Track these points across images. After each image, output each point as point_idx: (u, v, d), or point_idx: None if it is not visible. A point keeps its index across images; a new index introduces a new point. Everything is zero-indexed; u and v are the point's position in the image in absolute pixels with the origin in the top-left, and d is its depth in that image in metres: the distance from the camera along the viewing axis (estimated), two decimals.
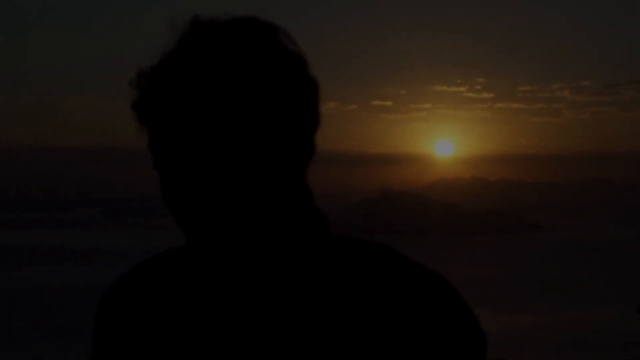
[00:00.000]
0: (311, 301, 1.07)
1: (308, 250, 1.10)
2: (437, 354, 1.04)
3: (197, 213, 1.00)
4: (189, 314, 1.09)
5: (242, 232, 1.02)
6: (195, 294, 1.09)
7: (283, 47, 1.07)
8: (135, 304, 1.18)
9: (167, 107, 1.02)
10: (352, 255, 1.13)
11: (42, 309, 27.55)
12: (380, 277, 1.10)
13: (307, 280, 1.08)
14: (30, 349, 21.96)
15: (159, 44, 1.09)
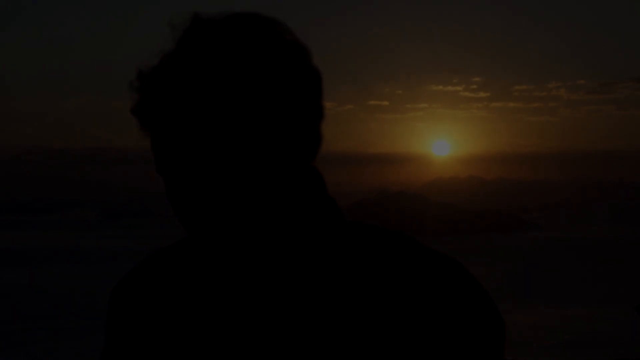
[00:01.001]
0: (326, 289, 1.07)
1: (321, 237, 1.10)
2: (457, 341, 1.04)
3: (208, 210, 1.00)
4: (202, 307, 1.09)
5: (253, 224, 1.02)
6: (207, 287, 1.08)
7: (285, 39, 1.07)
8: (147, 299, 1.17)
9: (171, 108, 1.01)
10: (367, 242, 1.12)
11: (40, 310, 27.48)
12: (397, 263, 1.09)
13: (321, 268, 1.08)
14: (28, 350, 21.92)
15: (156, 44, 1.08)
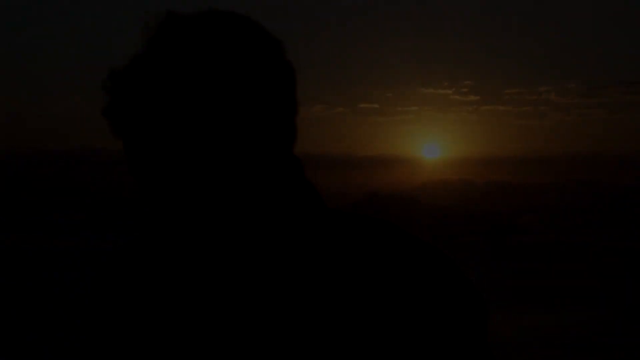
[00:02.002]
0: (307, 276, 1.06)
1: (302, 224, 1.08)
2: (441, 325, 1.05)
3: (187, 206, 1.02)
4: (185, 297, 1.06)
5: (233, 215, 1.04)
6: (189, 278, 1.06)
7: (258, 34, 1.07)
8: (131, 294, 1.08)
9: (144, 108, 1.03)
10: (349, 228, 1.09)
11: (36, 311, 27.45)
12: (378, 249, 1.08)
13: (302, 255, 1.07)
14: (26, 352, 21.89)
15: (133, 44, 1.08)
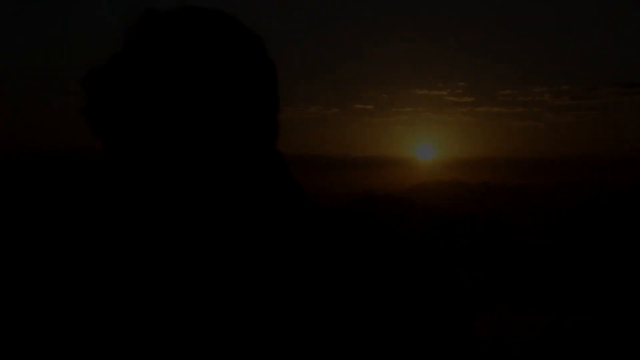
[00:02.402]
0: (288, 269, 1.04)
1: (283, 219, 1.06)
2: (421, 320, 1.04)
3: (167, 203, 0.99)
4: (167, 295, 1.04)
5: (213, 212, 1.02)
6: (170, 277, 1.04)
7: (238, 32, 1.05)
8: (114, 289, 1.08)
9: (123, 106, 1.00)
10: (329, 222, 1.07)
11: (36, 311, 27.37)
12: (358, 243, 1.06)
13: (282, 248, 1.05)
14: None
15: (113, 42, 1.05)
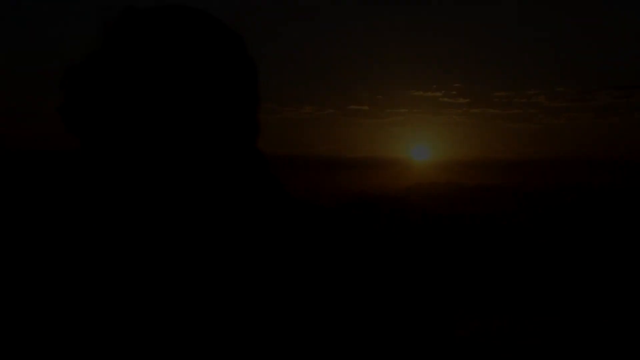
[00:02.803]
0: (263, 261, 1.05)
1: (262, 215, 1.07)
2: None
3: (145, 201, 1.00)
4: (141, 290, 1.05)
5: (192, 209, 1.03)
6: (153, 270, 1.05)
7: (219, 30, 1.06)
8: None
9: (101, 105, 1.01)
10: (308, 218, 1.08)
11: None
12: (332, 237, 1.07)
13: (261, 243, 1.06)
14: None
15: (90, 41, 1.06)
